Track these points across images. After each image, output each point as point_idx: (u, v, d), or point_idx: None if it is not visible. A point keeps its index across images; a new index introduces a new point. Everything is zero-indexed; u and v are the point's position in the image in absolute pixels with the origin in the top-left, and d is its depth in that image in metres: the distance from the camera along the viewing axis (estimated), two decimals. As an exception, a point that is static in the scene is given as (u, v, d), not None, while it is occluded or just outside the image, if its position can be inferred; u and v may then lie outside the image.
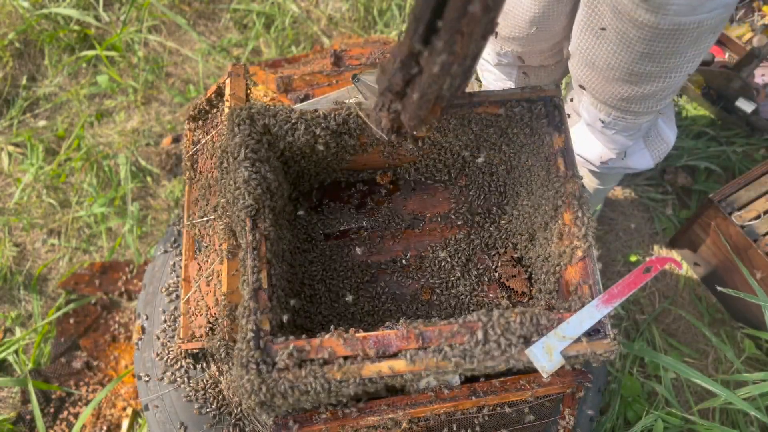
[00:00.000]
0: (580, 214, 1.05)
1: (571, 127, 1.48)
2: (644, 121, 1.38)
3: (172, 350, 1.36)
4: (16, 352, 1.84)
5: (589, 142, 1.49)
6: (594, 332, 0.97)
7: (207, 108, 1.35)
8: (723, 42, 2.10)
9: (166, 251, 1.55)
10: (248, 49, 2.41)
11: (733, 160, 2.14)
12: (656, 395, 1.75)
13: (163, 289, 1.46)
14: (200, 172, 1.28)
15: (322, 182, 1.31)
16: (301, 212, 1.28)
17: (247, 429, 1.26)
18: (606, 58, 1.22)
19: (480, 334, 0.92)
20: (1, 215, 2.09)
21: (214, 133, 1.26)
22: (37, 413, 1.64)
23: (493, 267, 1.27)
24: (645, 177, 2.20)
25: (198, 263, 1.22)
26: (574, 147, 1.43)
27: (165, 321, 1.41)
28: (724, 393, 1.43)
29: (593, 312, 0.96)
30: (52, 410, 1.74)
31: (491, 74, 1.58)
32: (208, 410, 1.29)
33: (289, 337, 0.92)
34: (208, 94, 1.33)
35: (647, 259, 2.03)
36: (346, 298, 1.19)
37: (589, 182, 1.71)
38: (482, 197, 1.30)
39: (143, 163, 2.19)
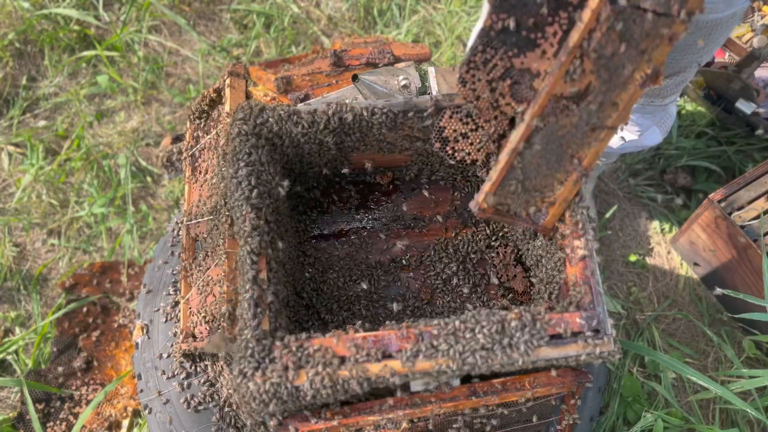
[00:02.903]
0: (580, 214, 1.05)
1: None
2: (670, 101, 1.47)
3: (173, 350, 1.36)
4: (16, 352, 1.84)
5: None
6: (594, 332, 0.97)
7: (208, 107, 1.35)
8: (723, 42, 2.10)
9: (165, 252, 1.55)
10: (249, 49, 2.41)
11: (733, 160, 2.15)
12: (656, 395, 1.75)
13: (164, 289, 1.46)
14: (200, 171, 1.29)
15: (323, 182, 1.31)
16: (301, 211, 1.28)
17: (245, 429, 1.26)
18: None
19: (480, 334, 0.92)
20: (1, 215, 2.09)
21: (214, 132, 1.26)
22: (33, 416, 1.64)
23: (494, 267, 1.27)
24: (645, 177, 2.20)
25: (198, 263, 1.22)
26: None
27: (165, 321, 1.41)
28: (725, 393, 1.43)
29: None
30: (52, 410, 1.74)
31: None
32: (207, 409, 1.29)
33: (289, 337, 0.92)
34: (209, 94, 1.33)
35: (646, 259, 2.04)
36: (347, 298, 1.19)
37: None
38: (482, 197, 1.30)
39: (143, 163, 2.19)
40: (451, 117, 1.09)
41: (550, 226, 1.08)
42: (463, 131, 1.10)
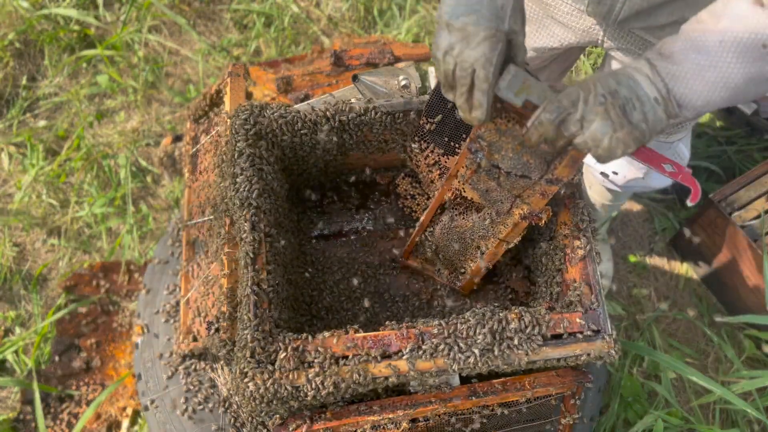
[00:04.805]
0: (580, 215, 1.05)
1: None
2: (676, 139, 1.36)
3: (173, 350, 1.36)
4: (16, 352, 1.83)
5: (616, 161, 1.46)
6: (594, 332, 0.97)
7: (208, 108, 1.35)
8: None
9: (165, 252, 1.55)
10: (249, 49, 2.41)
11: (733, 160, 2.14)
12: (656, 395, 1.75)
13: (164, 289, 1.46)
14: (200, 172, 1.28)
15: (323, 183, 1.31)
16: (301, 211, 1.28)
17: (245, 428, 1.26)
18: None
19: (480, 335, 0.92)
20: (1, 215, 2.09)
21: (214, 133, 1.26)
22: (39, 413, 1.64)
23: (494, 267, 1.27)
24: (645, 177, 2.20)
25: (198, 263, 1.22)
26: (598, 165, 1.43)
27: (165, 321, 1.41)
28: (725, 393, 1.43)
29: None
30: (51, 410, 1.74)
31: None
32: (206, 409, 1.29)
33: (289, 338, 0.91)
34: (209, 94, 1.33)
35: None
36: (347, 298, 1.19)
37: (600, 198, 1.68)
38: (482, 197, 1.30)
39: (143, 163, 2.19)
40: (403, 178, 1.27)
41: (467, 292, 1.22)
42: (412, 193, 1.27)
